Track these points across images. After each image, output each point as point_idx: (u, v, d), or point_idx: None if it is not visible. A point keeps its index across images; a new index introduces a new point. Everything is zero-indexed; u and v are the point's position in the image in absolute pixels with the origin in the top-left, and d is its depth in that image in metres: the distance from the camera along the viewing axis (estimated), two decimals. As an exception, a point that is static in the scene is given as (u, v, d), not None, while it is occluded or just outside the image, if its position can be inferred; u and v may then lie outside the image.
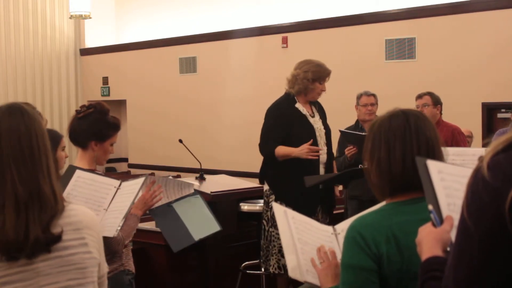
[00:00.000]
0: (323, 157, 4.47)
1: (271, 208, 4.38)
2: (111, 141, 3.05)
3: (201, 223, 3.36)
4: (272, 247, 4.39)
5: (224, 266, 4.98)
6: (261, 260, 4.50)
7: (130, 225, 2.96)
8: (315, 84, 4.45)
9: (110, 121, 3.04)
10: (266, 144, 4.43)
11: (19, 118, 1.77)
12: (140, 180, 2.84)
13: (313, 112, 4.54)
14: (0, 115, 1.77)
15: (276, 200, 4.33)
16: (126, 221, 2.91)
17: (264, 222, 4.47)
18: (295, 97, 4.47)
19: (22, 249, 1.66)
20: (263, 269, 4.49)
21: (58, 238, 1.71)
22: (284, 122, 4.39)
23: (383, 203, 1.94)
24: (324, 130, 4.54)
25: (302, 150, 4.26)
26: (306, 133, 4.39)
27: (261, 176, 4.54)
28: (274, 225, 4.36)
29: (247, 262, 4.83)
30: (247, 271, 4.66)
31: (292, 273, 2.22)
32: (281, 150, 4.34)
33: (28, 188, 1.70)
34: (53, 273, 1.73)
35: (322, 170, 4.46)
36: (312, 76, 4.44)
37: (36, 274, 1.71)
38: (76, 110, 3.07)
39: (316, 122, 4.50)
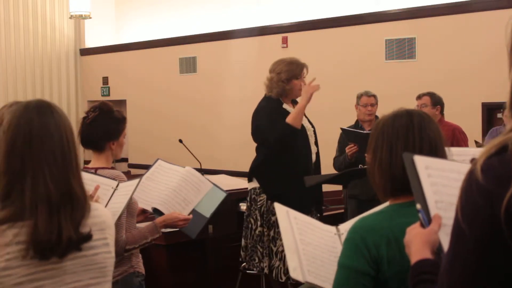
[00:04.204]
0: (314, 156, 4.42)
1: (260, 206, 4.35)
2: (124, 134, 3.08)
3: (206, 197, 3.33)
4: (263, 248, 4.34)
5: (224, 266, 4.98)
6: (245, 260, 4.44)
7: (142, 232, 2.95)
8: (291, 83, 4.35)
9: (118, 116, 3.06)
10: (267, 135, 4.26)
11: (50, 116, 1.75)
12: (135, 181, 2.85)
13: None
14: (30, 113, 1.74)
15: (267, 200, 4.31)
16: (142, 228, 2.94)
17: (252, 220, 4.39)
18: (280, 99, 4.39)
19: (54, 249, 1.68)
20: (261, 270, 4.48)
21: (89, 237, 1.73)
22: (276, 120, 4.27)
23: (385, 204, 1.94)
24: (312, 129, 4.48)
25: (306, 92, 4.21)
26: (300, 133, 4.35)
27: (251, 173, 4.43)
28: (266, 225, 4.34)
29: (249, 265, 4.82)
30: (247, 271, 4.66)
31: (294, 273, 2.21)
32: (291, 117, 4.21)
33: (60, 188, 1.70)
34: (78, 271, 1.75)
35: (313, 171, 4.40)
36: (285, 76, 4.35)
37: (63, 272, 1.72)
38: (83, 117, 3.07)
39: (304, 120, 4.42)
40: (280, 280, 4.29)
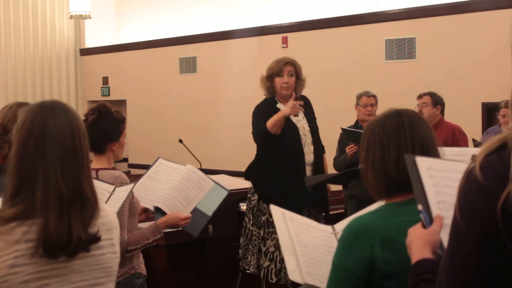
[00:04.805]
0: (309, 157, 4.37)
1: (253, 206, 4.36)
2: (124, 134, 3.08)
3: (208, 196, 3.33)
4: (252, 246, 4.37)
5: (224, 266, 4.98)
6: (239, 257, 4.48)
7: (144, 233, 2.95)
8: (274, 81, 4.36)
9: (117, 117, 3.06)
10: (254, 134, 4.38)
11: (64, 115, 1.76)
12: (129, 186, 2.84)
13: None
14: (44, 112, 1.75)
15: (259, 200, 4.32)
16: (143, 229, 2.94)
17: (246, 219, 4.42)
18: (276, 99, 4.41)
19: (64, 248, 1.68)
20: (240, 267, 4.50)
21: (98, 239, 1.74)
22: (263, 119, 4.30)
23: (381, 203, 1.94)
24: (309, 129, 4.43)
25: (288, 107, 4.16)
26: (290, 133, 4.32)
27: (247, 173, 4.48)
28: (256, 224, 4.35)
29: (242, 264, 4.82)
30: (247, 271, 4.66)
31: (292, 275, 2.20)
32: (270, 120, 4.21)
33: (71, 188, 1.71)
34: (85, 271, 1.76)
35: (308, 172, 4.36)
36: (266, 75, 4.39)
37: (70, 271, 1.73)
38: (83, 120, 3.06)
39: (299, 121, 4.40)
40: (271, 280, 4.30)
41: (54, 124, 1.73)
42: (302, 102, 4.27)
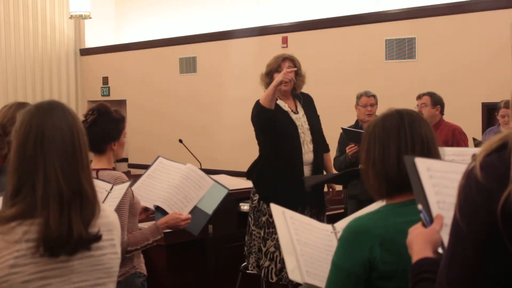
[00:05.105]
0: (308, 156, 4.33)
1: (255, 207, 4.37)
2: (124, 134, 3.07)
3: (208, 194, 3.33)
4: (252, 245, 4.38)
5: (224, 266, 4.98)
6: (245, 255, 4.50)
7: (144, 233, 2.95)
8: (273, 77, 4.32)
9: (116, 117, 3.05)
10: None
11: (61, 115, 1.77)
12: (126, 185, 2.84)
13: (296, 108, 4.42)
14: (42, 112, 1.76)
15: (260, 199, 4.32)
16: (144, 229, 2.94)
17: (249, 218, 4.43)
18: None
19: (64, 246, 1.68)
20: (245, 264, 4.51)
21: (99, 238, 1.75)
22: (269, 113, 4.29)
23: (381, 203, 1.94)
24: (308, 127, 4.38)
25: (279, 76, 4.14)
26: (289, 130, 4.30)
27: (248, 172, 4.48)
28: (257, 225, 4.35)
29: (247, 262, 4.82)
30: (247, 271, 4.66)
31: (292, 274, 2.20)
32: (263, 95, 4.20)
33: (71, 186, 1.72)
34: (85, 271, 1.76)
35: (307, 171, 4.33)
36: (265, 71, 4.39)
37: (70, 271, 1.73)
38: (82, 121, 3.06)
39: (298, 118, 4.37)
40: (271, 280, 4.30)
41: (52, 124, 1.74)
42: (295, 69, 4.27)
